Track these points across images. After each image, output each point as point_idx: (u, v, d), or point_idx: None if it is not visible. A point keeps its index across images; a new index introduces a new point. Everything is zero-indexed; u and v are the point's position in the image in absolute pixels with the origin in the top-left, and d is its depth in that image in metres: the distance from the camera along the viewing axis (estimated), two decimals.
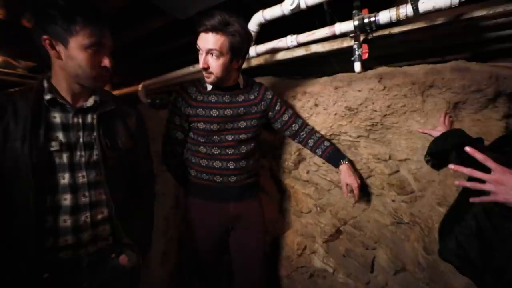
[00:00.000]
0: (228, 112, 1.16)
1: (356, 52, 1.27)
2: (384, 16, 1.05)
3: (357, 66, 1.28)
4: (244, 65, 1.84)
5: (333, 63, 1.55)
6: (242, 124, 1.19)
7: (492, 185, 0.57)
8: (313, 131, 1.31)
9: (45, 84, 0.81)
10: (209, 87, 1.16)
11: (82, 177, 0.84)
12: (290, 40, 1.33)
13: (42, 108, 0.79)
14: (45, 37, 0.75)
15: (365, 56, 1.28)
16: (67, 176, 0.81)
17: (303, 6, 1.18)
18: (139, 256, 0.94)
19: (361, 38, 1.30)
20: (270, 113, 1.26)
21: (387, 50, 1.43)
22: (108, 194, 0.87)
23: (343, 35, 1.25)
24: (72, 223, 0.81)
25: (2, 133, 0.74)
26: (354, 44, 1.28)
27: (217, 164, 1.18)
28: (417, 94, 1.18)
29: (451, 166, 0.64)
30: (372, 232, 1.24)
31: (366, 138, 1.31)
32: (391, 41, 1.31)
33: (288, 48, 1.41)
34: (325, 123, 1.37)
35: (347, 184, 1.16)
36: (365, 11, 1.23)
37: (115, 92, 3.74)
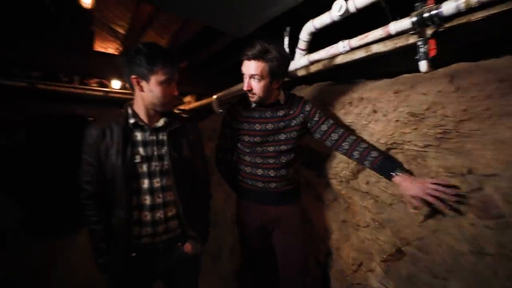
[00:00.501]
0: (270, 126, 1.25)
1: (421, 50, 1.13)
2: (449, 7, 0.90)
3: (423, 65, 1.13)
4: (303, 72, 1.87)
5: (397, 62, 1.39)
6: (282, 136, 1.26)
7: None
8: (357, 140, 1.21)
9: (129, 111, 1.08)
10: (253, 104, 1.27)
11: (157, 182, 1.07)
12: (342, 45, 1.28)
13: (128, 130, 1.05)
14: (133, 76, 1.00)
15: (433, 53, 1.12)
16: (146, 181, 1.06)
17: (352, 9, 1.12)
18: (200, 245, 1.16)
19: (428, 32, 1.14)
20: (309, 124, 1.28)
21: (463, 42, 1.19)
22: (176, 196, 1.10)
23: (402, 33, 1.12)
24: (150, 218, 1.06)
25: (105, 150, 1.01)
26: (419, 40, 1.13)
27: (259, 171, 1.29)
28: (509, 93, 0.95)
29: None
30: (443, 259, 1.05)
31: (437, 148, 1.13)
32: (470, 30, 1.08)
33: (340, 54, 1.35)
34: (384, 131, 1.25)
35: (413, 197, 1.03)
36: (430, 1, 1.07)
37: (197, 103, 4.35)
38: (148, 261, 1.08)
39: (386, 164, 1.12)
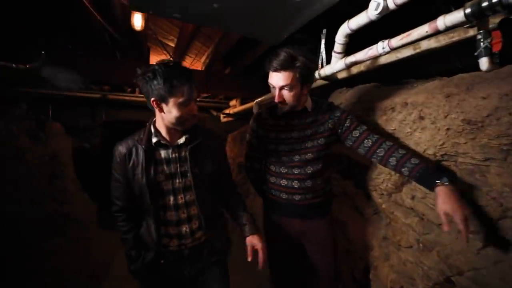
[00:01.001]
0: (295, 134, 1.21)
1: (482, 44, 0.95)
2: None
3: (484, 62, 0.96)
4: (344, 74, 1.76)
5: (454, 60, 1.20)
6: (309, 144, 1.20)
7: None
8: (394, 147, 1.08)
9: (152, 129, 1.08)
10: (280, 113, 1.24)
11: (181, 198, 1.09)
12: (381, 46, 1.17)
13: (152, 148, 1.06)
14: (153, 99, 0.99)
15: (498, 47, 0.94)
16: (171, 198, 1.08)
17: (392, 6, 1.01)
18: (224, 251, 1.20)
19: (493, 22, 0.95)
20: (339, 131, 1.19)
21: None
22: (199, 210, 1.11)
23: (453, 28, 0.96)
24: (177, 232, 1.09)
25: (131, 169, 1.06)
26: (479, 33, 0.96)
27: (284, 182, 1.25)
28: None
29: None
30: None
31: (501, 162, 0.93)
32: None
33: (380, 55, 1.23)
34: (433, 141, 1.09)
35: (446, 214, 0.88)
36: None
37: (242, 107, 4.48)
38: (175, 267, 1.12)
39: (430, 172, 0.98)
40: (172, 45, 3.13)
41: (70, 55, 2.74)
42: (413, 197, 1.22)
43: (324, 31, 1.58)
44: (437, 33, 0.99)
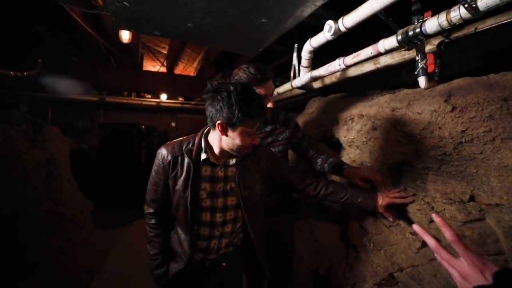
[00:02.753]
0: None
1: (419, 65, 1.07)
2: (431, 25, 0.85)
3: (422, 81, 1.08)
4: (318, 84, 1.89)
5: (404, 75, 1.31)
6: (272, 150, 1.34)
7: (456, 274, 0.44)
8: (323, 154, 1.41)
9: (203, 144, 1.03)
10: None
11: (219, 217, 1.06)
12: (338, 63, 1.28)
13: (199, 163, 1.02)
14: (219, 122, 0.92)
15: (431, 68, 1.05)
16: (208, 215, 1.05)
17: (343, 29, 1.13)
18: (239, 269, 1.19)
19: (429, 47, 1.08)
20: (294, 139, 1.39)
21: (472, 55, 1.07)
22: (251, 234, 1.09)
23: (392, 51, 1.08)
24: (206, 246, 1.08)
25: (174, 178, 1.02)
26: (417, 55, 1.07)
27: None
28: None
29: (415, 227, 0.56)
30: None
31: (437, 171, 1.05)
32: (478, 40, 0.97)
33: (338, 71, 1.35)
34: (383, 150, 1.21)
35: (361, 177, 1.20)
36: (427, 13, 1.01)
37: None
38: (195, 278, 1.11)
39: (338, 164, 1.32)
40: (165, 52, 3.27)
41: (69, 64, 2.88)
42: None
43: (296, 45, 1.70)
44: (379, 54, 1.10)
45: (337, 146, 1.62)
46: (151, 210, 1.11)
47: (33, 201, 2.83)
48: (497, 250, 0.86)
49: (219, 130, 0.95)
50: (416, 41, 0.92)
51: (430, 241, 0.52)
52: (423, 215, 1.02)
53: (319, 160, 1.37)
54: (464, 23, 0.80)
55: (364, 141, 1.30)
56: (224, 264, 1.12)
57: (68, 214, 3.25)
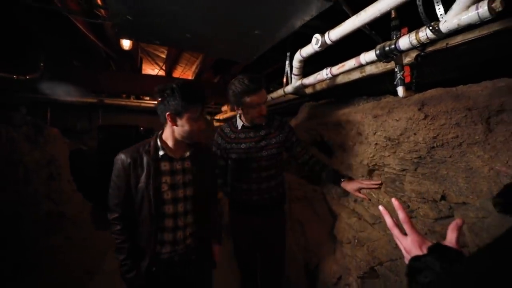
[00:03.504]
0: (252, 144, 1.45)
1: (398, 76, 1.18)
2: (404, 42, 0.96)
3: (400, 90, 1.18)
4: (310, 90, 1.99)
5: (387, 83, 1.42)
6: (264, 153, 1.44)
7: (403, 249, 0.56)
8: (319, 160, 1.51)
9: (159, 142, 1.17)
10: (239, 127, 1.48)
11: (180, 207, 1.18)
12: (325, 73, 1.39)
13: (157, 160, 1.15)
14: (168, 113, 1.10)
15: (408, 79, 1.16)
16: (171, 207, 1.15)
17: (329, 42, 1.23)
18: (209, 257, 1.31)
19: (407, 59, 1.18)
20: (287, 144, 1.48)
21: (445, 67, 1.17)
22: (194, 218, 1.21)
23: (373, 63, 1.18)
24: (172, 238, 1.16)
25: (135, 178, 1.13)
26: (396, 67, 1.18)
27: (244, 185, 1.48)
28: (477, 122, 0.96)
29: (380, 207, 0.67)
30: None
31: (413, 172, 1.15)
32: (451, 55, 1.08)
33: (325, 80, 1.45)
34: (366, 153, 1.31)
35: (357, 190, 1.33)
36: (404, 30, 1.12)
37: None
38: (165, 273, 1.18)
39: (336, 174, 1.43)
40: (163, 56, 3.36)
41: (70, 68, 2.98)
42: (355, 200, 1.44)
43: (288, 53, 1.80)
44: (361, 66, 1.21)
45: (327, 149, 1.72)
46: (116, 215, 1.14)
47: (34, 202, 2.90)
48: (462, 244, 0.96)
49: (169, 121, 1.12)
50: (392, 55, 1.03)
51: (388, 220, 0.63)
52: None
53: (317, 167, 1.48)
54: (432, 41, 0.91)
55: (350, 145, 1.41)
56: (193, 257, 1.21)
57: (68, 215, 3.32)
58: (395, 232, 0.61)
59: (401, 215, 0.59)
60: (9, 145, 2.76)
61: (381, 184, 1.27)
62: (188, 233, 1.20)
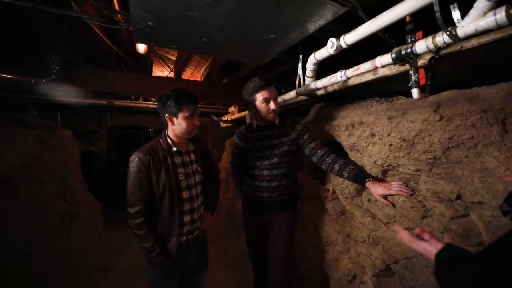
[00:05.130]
0: (266, 143, 1.52)
1: (413, 78, 1.21)
2: (421, 46, 0.99)
3: (415, 92, 1.22)
4: (322, 92, 2.02)
5: (400, 84, 1.45)
6: (276, 151, 1.50)
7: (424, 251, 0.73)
8: (338, 157, 1.44)
9: (169, 141, 1.38)
10: (254, 126, 1.57)
11: (194, 192, 1.42)
12: (340, 75, 1.42)
13: (172, 155, 1.37)
14: (166, 114, 1.34)
15: (423, 81, 1.19)
16: (188, 192, 1.38)
17: (344, 45, 1.27)
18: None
19: (421, 62, 1.21)
20: (300, 141, 1.52)
21: (459, 70, 1.20)
22: (202, 200, 1.48)
23: (388, 65, 1.22)
24: (189, 219, 1.39)
25: (156, 171, 1.30)
26: (410, 69, 1.21)
27: (256, 182, 1.55)
28: (492, 123, 0.99)
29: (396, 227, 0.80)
30: (428, 280, 1.11)
31: (428, 172, 1.18)
32: (465, 57, 1.11)
33: (339, 82, 1.49)
34: (380, 154, 1.34)
35: (382, 195, 1.25)
36: (419, 33, 1.16)
37: (239, 114, 4.76)
38: (182, 255, 1.37)
39: (361, 174, 1.35)
40: (173, 58, 3.42)
41: (82, 70, 3.06)
42: (369, 200, 1.47)
43: (301, 56, 1.84)
44: (376, 68, 1.24)
45: (339, 150, 1.75)
46: (139, 208, 1.28)
47: (47, 201, 2.98)
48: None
49: (169, 121, 1.35)
50: (407, 59, 1.06)
51: (405, 237, 0.80)
52: (416, 212, 1.15)
53: (337, 165, 1.42)
54: (448, 45, 0.94)
55: (363, 146, 1.44)
56: (201, 240, 1.47)
57: (80, 215, 3.40)
58: (415, 243, 0.76)
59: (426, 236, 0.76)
60: (24, 147, 2.84)
61: (413, 192, 1.20)
62: (200, 214, 1.45)
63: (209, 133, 6.73)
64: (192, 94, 1.37)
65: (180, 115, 1.32)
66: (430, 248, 0.72)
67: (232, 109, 5.55)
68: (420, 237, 0.77)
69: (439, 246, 0.70)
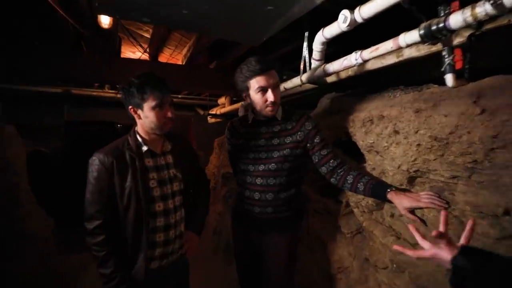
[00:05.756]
0: (262, 142, 1.47)
1: (446, 60, 1.19)
2: (456, 20, 0.97)
3: (449, 79, 1.20)
4: (333, 78, 2.01)
5: (431, 69, 1.44)
6: (276, 154, 1.45)
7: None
8: (351, 168, 1.40)
9: (139, 138, 1.36)
10: (250, 120, 1.52)
11: (171, 203, 1.39)
12: (354, 58, 1.40)
13: (142, 156, 1.34)
14: (130, 107, 1.32)
15: (459, 65, 1.18)
16: (161, 205, 1.36)
17: (359, 20, 1.25)
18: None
19: (457, 40, 1.19)
20: (308, 145, 1.45)
21: (506, 50, 1.19)
22: (184, 214, 1.46)
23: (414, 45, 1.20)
24: (163, 239, 1.36)
25: (121, 176, 1.28)
26: (443, 49, 1.20)
27: (246, 193, 1.51)
28: None
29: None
30: None
31: (467, 180, 1.16)
32: None
33: (353, 66, 1.47)
34: (406, 157, 1.32)
35: (407, 208, 1.20)
36: (454, 4, 1.14)
37: (231, 106, 4.74)
38: (156, 285, 1.36)
39: (380, 185, 1.31)
40: (148, 36, 3.39)
41: (29, 48, 3.00)
42: (392, 215, 1.45)
43: (306, 33, 1.82)
44: (400, 49, 1.23)
45: (354, 152, 1.73)
46: (98, 223, 1.27)
47: None
48: None
49: (134, 114, 1.34)
50: (439, 36, 1.04)
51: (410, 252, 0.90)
52: (451, 231, 1.13)
53: (350, 178, 1.37)
54: (491, 18, 0.92)
55: (384, 146, 1.42)
56: (180, 264, 1.46)
57: (27, 233, 3.34)
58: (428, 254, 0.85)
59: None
60: None
61: (448, 205, 1.15)
62: (179, 232, 1.42)
63: (193, 131, 6.70)
64: (161, 79, 1.34)
65: (146, 106, 1.30)
66: (445, 254, 0.79)
67: (222, 100, 5.54)
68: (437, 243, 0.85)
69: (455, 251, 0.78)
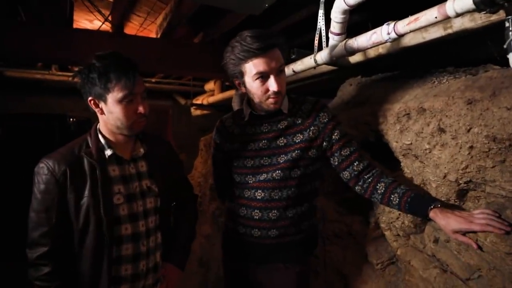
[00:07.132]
0: (264, 144, 1.47)
1: (510, 35, 1.21)
2: None
3: None
4: (358, 58, 2.02)
5: (489, 46, 1.45)
6: (282, 158, 1.45)
7: None
8: (383, 174, 1.40)
9: (102, 140, 1.37)
10: (247, 116, 1.51)
11: (142, 225, 1.39)
12: (386, 31, 1.42)
13: (104, 163, 1.33)
14: (90, 98, 1.32)
15: None
16: (129, 227, 1.35)
17: None
18: None
19: None
20: (325, 143, 1.45)
21: None
22: (161, 239, 1.47)
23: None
24: (131, 271, 1.36)
25: (75, 190, 1.27)
26: (507, 19, 1.21)
27: (243, 211, 1.51)
28: None
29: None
30: None
31: None
32: None
33: (385, 42, 1.49)
34: (454, 163, 1.33)
35: (456, 232, 1.18)
36: None
37: (222, 94, 4.76)
38: None
39: (420, 198, 1.30)
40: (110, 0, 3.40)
41: None
42: (436, 240, 1.47)
43: None
44: (447, 19, 1.24)
45: (386, 155, 1.75)
46: (43, 251, 1.26)
47: None
48: None
49: (95, 108, 1.34)
50: (502, 2, 1.06)
51: None
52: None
53: (381, 186, 1.37)
54: None
55: (426, 149, 1.43)
56: None
57: None
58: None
59: None
60: None
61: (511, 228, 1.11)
62: (152, 264, 1.42)
63: (172, 126, 6.71)
64: (131, 61, 1.33)
65: (110, 98, 1.29)
66: None
67: (210, 86, 5.55)
68: None
69: None
